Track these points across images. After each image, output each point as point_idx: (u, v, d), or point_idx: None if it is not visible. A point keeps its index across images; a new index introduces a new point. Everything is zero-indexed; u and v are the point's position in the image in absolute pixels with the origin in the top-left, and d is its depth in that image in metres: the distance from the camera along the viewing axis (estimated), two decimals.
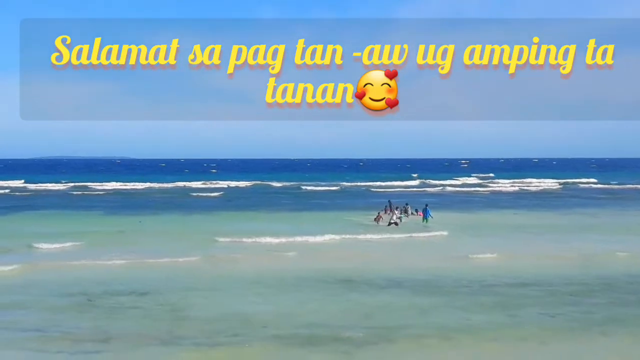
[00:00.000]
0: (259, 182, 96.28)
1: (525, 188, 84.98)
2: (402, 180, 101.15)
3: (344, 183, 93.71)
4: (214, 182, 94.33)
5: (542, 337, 16.05)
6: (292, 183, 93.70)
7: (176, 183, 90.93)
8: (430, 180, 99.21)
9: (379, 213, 44.22)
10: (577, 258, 27.74)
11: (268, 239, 32.84)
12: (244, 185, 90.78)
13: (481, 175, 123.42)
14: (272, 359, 14.60)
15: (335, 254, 29.21)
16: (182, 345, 15.51)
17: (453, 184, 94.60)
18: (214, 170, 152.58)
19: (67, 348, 15.41)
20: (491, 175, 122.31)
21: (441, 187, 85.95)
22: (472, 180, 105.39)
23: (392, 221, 41.26)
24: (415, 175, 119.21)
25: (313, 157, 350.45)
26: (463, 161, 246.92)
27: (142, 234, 36.04)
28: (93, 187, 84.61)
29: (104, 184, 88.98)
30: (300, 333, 16.41)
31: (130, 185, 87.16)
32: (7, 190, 77.35)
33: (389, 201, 48.88)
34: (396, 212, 44.29)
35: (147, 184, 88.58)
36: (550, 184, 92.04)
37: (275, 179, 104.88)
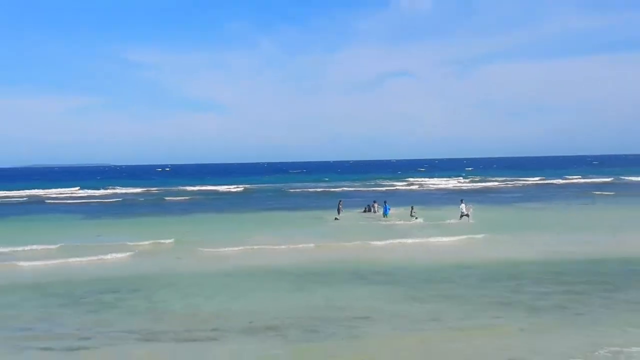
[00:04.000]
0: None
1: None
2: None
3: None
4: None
5: None
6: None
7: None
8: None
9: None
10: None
11: (236, 241, 30.98)
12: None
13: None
14: (245, 352, 13.69)
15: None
16: (161, 340, 14.67)
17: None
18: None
19: (52, 344, 14.55)
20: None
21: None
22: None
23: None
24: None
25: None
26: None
27: (112, 236, 33.88)
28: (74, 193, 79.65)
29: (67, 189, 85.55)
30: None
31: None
32: None
33: (374, 201, 48.80)
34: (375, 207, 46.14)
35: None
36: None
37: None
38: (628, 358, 12.32)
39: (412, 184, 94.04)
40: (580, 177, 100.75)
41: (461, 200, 43.12)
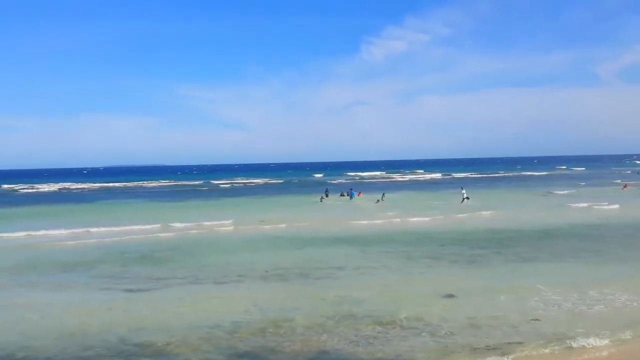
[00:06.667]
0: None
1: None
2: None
3: None
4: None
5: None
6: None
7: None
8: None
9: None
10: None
11: (255, 218, 30.81)
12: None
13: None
14: (261, 290, 13.96)
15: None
16: (203, 283, 15.01)
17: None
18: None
19: (130, 286, 14.79)
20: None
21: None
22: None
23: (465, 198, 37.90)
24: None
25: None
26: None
27: (171, 215, 33.41)
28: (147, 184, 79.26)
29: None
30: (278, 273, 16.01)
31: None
32: None
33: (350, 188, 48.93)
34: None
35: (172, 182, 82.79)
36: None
37: None
38: (531, 289, 12.66)
39: (384, 177, 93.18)
40: (503, 172, 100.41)
41: (462, 188, 41.36)
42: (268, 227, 27.35)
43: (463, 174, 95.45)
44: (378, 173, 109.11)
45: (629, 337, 9.35)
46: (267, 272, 16.14)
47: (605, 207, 33.34)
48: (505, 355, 8.57)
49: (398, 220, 29.51)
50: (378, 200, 40.52)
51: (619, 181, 58.42)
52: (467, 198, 38.16)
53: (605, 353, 8.74)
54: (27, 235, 25.73)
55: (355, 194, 45.19)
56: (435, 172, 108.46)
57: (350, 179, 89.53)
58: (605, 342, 9.09)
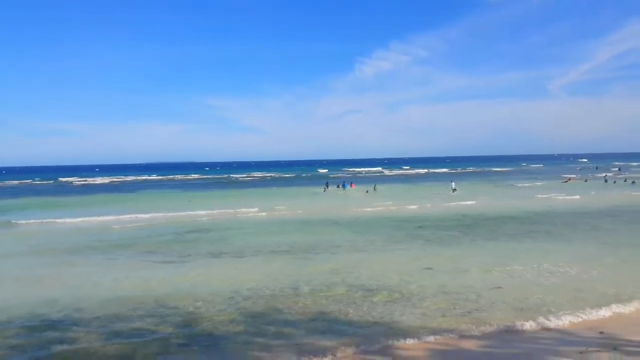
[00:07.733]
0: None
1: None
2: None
3: None
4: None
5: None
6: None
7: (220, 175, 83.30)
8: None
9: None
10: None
11: (269, 205, 30.57)
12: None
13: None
14: (271, 262, 13.88)
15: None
16: (224, 258, 15.01)
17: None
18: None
19: (165, 260, 14.79)
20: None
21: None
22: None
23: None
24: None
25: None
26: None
27: (200, 203, 33.60)
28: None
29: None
30: (283, 250, 15.94)
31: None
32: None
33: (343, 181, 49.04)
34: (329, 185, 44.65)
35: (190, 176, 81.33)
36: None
37: None
38: (496, 262, 12.43)
39: (376, 172, 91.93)
40: (473, 168, 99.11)
41: (451, 180, 40.79)
42: (279, 212, 27.16)
43: (441, 170, 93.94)
44: (371, 169, 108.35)
45: (582, 303, 9.23)
46: (275, 248, 16.06)
47: (560, 197, 32.88)
48: (476, 319, 8.50)
49: (394, 208, 28.72)
50: (367, 191, 40.26)
51: (573, 175, 57.98)
52: (455, 189, 37.19)
53: (560, 319, 8.52)
54: (83, 220, 25.70)
55: (348, 185, 44.88)
56: (418, 168, 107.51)
57: (349, 174, 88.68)
58: (560, 308, 8.92)
